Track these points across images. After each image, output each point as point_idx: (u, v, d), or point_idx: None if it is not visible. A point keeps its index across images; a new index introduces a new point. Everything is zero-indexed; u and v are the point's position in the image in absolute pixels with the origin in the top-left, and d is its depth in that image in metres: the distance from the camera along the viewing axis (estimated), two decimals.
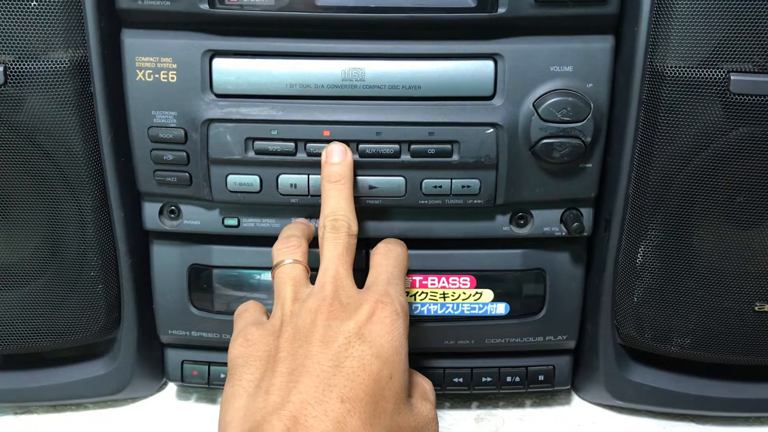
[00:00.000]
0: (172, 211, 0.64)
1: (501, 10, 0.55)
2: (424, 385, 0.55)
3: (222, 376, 0.68)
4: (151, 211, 0.64)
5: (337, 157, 0.57)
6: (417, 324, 0.66)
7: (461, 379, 0.68)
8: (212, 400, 0.72)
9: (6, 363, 0.70)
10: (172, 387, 0.74)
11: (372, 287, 0.52)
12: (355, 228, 0.55)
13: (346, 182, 0.57)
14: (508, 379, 0.69)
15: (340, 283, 0.52)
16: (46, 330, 0.65)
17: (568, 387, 0.71)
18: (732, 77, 0.56)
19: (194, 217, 0.63)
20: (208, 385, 0.69)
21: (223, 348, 0.66)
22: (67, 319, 0.65)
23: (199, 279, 0.65)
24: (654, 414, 0.71)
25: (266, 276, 0.65)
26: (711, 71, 0.56)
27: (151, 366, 0.71)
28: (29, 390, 0.69)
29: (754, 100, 0.56)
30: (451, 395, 0.72)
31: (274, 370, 0.47)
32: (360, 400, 0.45)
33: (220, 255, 0.65)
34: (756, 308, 0.63)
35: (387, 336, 0.48)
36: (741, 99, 0.56)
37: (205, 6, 0.55)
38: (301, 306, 0.51)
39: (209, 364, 0.69)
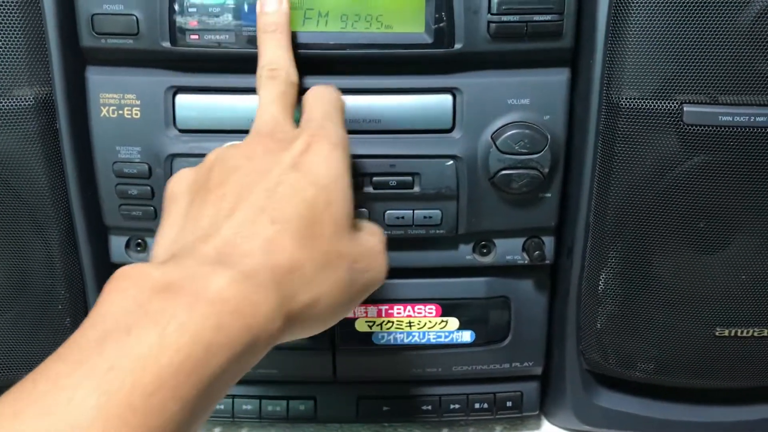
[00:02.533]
0: (138, 245, 0.64)
1: (458, 46, 0.56)
2: (375, 227, 0.52)
3: None
4: (117, 244, 0.64)
5: (271, 6, 0.55)
6: (383, 353, 0.66)
7: (430, 407, 0.69)
8: None
9: None
10: None
11: (307, 124, 0.50)
12: (294, 77, 0.53)
13: (283, 31, 0.54)
14: (477, 405, 0.69)
15: (275, 123, 0.50)
16: (13, 364, 0.65)
17: (537, 412, 0.72)
18: (685, 108, 0.57)
19: None
20: None
21: None
22: (35, 353, 0.65)
23: None
24: None
25: None
26: (665, 102, 0.57)
27: None
28: None
29: (707, 130, 0.57)
30: (421, 422, 0.72)
31: (205, 199, 0.46)
32: (291, 221, 0.43)
33: None
34: (716, 333, 0.64)
35: (323, 165, 0.46)
36: (694, 129, 0.57)
37: (167, 44, 0.56)
38: (236, 146, 0.49)
39: None
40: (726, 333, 0.64)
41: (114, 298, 0.38)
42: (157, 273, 0.38)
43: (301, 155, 0.46)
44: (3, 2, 0.55)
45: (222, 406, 0.68)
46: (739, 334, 0.64)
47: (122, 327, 0.35)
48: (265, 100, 0.52)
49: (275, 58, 0.54)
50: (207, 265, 0.39)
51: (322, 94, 0.53)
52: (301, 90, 0.54)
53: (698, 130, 0.57)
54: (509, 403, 0.70)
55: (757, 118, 0.56)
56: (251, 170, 0.46)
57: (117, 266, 0.64)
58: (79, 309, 0.65)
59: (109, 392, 0.32)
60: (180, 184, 0.48)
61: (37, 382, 0.34)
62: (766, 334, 0.64)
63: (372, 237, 0.49)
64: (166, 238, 0.46)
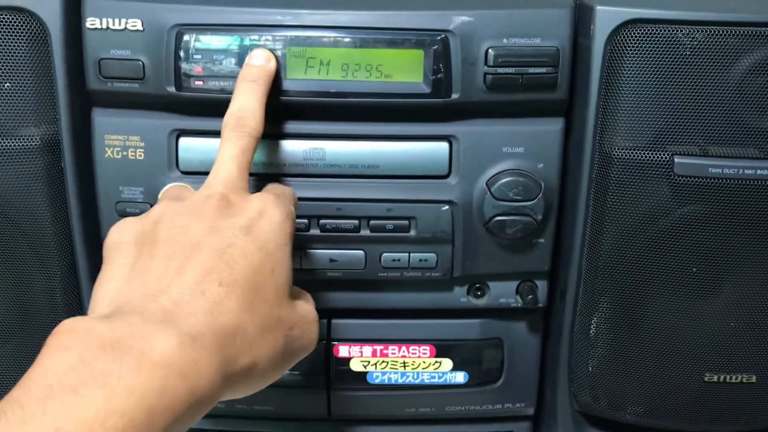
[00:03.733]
0: None
1: (455, 96, 0.58)
2: (309, 296, 0.53)
3: None
4: None
5: (258, 60, 0.56)
6: (378, 392, 0.68)
7: None
8: None
9: None
10: None
11: (263, 193, 0.51)
12: (259, 130, 0.53)
13: (262, 84, 0.55)
14: None
15: (231, 184, 0.50)
16: None
17: None
18: (676, 159, 0.58)
19: None
20: None
21: None
22: None
23: None
24: None
25: None
26: (656, 153, 0.59)
27: None
28: None
29: (697, 181, 0.59)
30: None
31: (152, 254, 0.45)
32: (239, 285, 0.44)
33: None
34: (706, 379, 0.65)
35: (273, 233, 0.47)
36: (685, 180, 0.59)
37: (172, 89, 0.57)
38: (188, 199, 0.49)
39: None
40: (715, 378, 0.65)
41: (58, 353, 0.37)
42: (103, 329, 0.38)
43: (255, 220, 0.48)
44: (13, 44, 0.57)
45: None
46: (728, 380, 0.65)
47: (67, 386, 0.35)
48: (226, 155, 0.51)
49: (247, 105, 0.54)
50: (152, 323, 0.39)
51: (277, 187, 0.55)
52: (307, 134, 0.57)
53: (689, 181, 0.59)
54: None
55: (746, 171, 0.58)
56: (201, 229, 0.46)
57: None
58: None
59: None
60: (124, 233, 0.48)
61: None
62: (754, 381, 0.65)
63: (307, 305, 0.51)
64: (108, 289, 0.45)
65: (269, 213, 0.48)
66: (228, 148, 0.52)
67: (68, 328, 0.38)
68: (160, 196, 0.57)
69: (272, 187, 0.55)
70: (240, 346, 0.43)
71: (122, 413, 0.35)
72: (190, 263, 0.44)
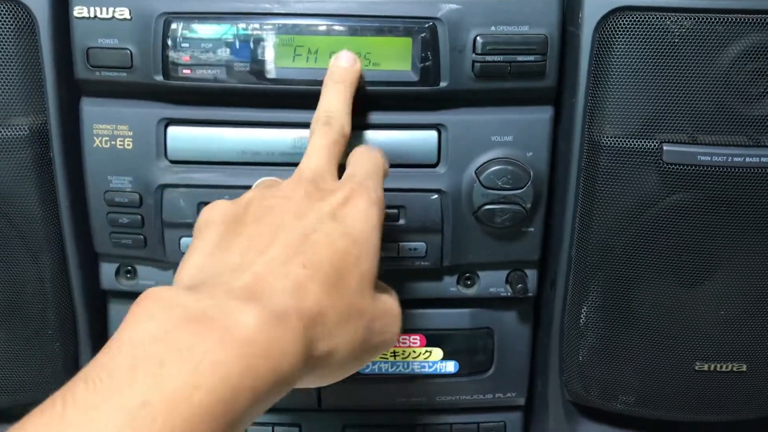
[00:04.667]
0: (128, 272, 0.66)
1: (443, 84, 0.59)
2: (393, 291, 0.53)
3: None
4: (108, 271, 0.66)
5: (345, 61, 0.57)
6: (369, 382, 0.68)
7: None
8: None
9: None
10: None
11: (350, 178, 0.51)
12: (347, 129, 0.55)
13: (349, 86, 0.56)
14: None
15: (320, 171, 0.51)
16: (5, 386, 0.67)
17: None
18: (664, 147, 0.59)
19: (150, 278, 0.65)
20: None
21: None
22: (25, 375, 0.66)
23: None
24: None
25: None
26: (645, 141, 0.59)
27: None
28: None
29: (685, 168, 0.59)
30: None
31: (239, 232, 0.46)
32: (323, 269, 0.44)
33: None
34: (696, 367, 0.66)
35: (360, 220, 0.47)
36: (673, 168, 0.59)
37: (159, 77, 0.58)
38: (277, 185, 0.50)
39: None
40: (705, 368, 0.66)
41: (143, 321, 0.37)
42: (188, 300, 0.38)
43: (340, 207, 0.48)
44: (0, 34, 0.57)
45: None
46: (718, 368, 0.66)
47: (154, 357, 0.34)
48: (316, 145, 0.53)
49: (334, 106, 0.55)
50: (237, 299, 0.39)
51: (367, 154, 0.55)
52: (296, 123, 0.58)
53: (677, 168, 0.59)
54: None
55: (735, 158, 0.59)
56: (289, 212, 0.47)
57: (106, 292, 0.67)
58: (68, 334, 0.66)
59: (139, 430, 0.32)
60: (215, 212, 0.49)
61: (66, 407, 0.33)
62: (744, 369, 0.66)
63: (392, 299, 0.51)
64: (192, 264, 0.46)
65: (355, 200, 0.48)
66: (318, 138, 0.53)
67: (153, 296, 0.38)
68: (254, 186, 0.57)
69: (359, 159, 0.54)
70: (321, 331, 0.42)
71: (208, 390, 0.34)
72: (275, 243, 0.44)
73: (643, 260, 0.63)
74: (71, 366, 0.67)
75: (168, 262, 0.63)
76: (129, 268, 0.65)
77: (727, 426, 0.70)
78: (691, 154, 0.59)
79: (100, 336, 0.68)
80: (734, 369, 0.66)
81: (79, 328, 0.66)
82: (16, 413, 0.70)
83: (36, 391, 0.67)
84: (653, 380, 0.67)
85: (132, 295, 0.65)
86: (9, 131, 0.59)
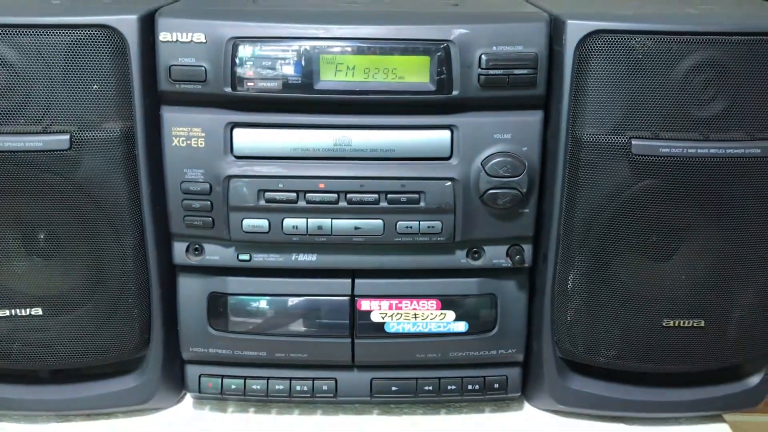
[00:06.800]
0: (196, 249, 0.77)
1: (455, 93, 0.70)
2: None
3: (233, 387, 0.80)
4: (179, 249, 0.77)
5: None
6: (393, 340, 0.79)
7: (431, 387, 0.80)
8: (223, 410, 0.84)
9: (51, 377, 0.81)
10: (189, 399, 0.85)
11: None
12: None
13: None
14: (469, 387, 0.81)
15: None
16: (89, 349, 0.77)
17: (519, 394, 0.83)
18: (633, 142, 0.69)
19: (214, 254, 0.76)
20: (221, 395, 0.81)
21: (235, 363, 0.80)
22: (107, 339, 0.76)
23: (217, 304, 0.78)
24: (591, 417, 0.83)
25: (273, 300, 0.78)
26: (617, 137, 0.69)
27: (173, 380, 0.82)
28: (69, 401, 0.80)
29: (651, 159, 0.69)
30: (423, 402, 0.84)
31: None
32: None
33: (234, 284, 0.78)
34: (664, 324, 0.76)
35: None
36: (641, 158, 0.69)
37: (228, 89, 0.69)
38: None
39: (222, 377, 0.80)
40: (671, 324, 0.76)
41: None
42: None
43: None
44: (100, 54, 0.68)
45: (258, 386, 0.80)
46: (681, 324, 0.76)
47: None
48: None
49: None
50: None
51: None
52: (336, 125, 0.69)
53: (644, 159, 0.70)
54: (496, 385, 0.81)
55: (689, 150, 0.69)
56: None
57: (176, 267, 0.79)
58: (144, 302, 0.77)
59: None
60: None
61: None
62: (702, 325, 0.76)
63: None
64: None
65: None
66: None
67: None
68: None
69: None
70: None
71: None
72: None
73: (618, 235, 0.72)
74: (145, 330, 0.78)
75: (231, 240, 0.74)
76: (197, 246, 0.76)
77: (692, 376, 0.80)
78: (654, 147, 0.69)
79: (168, 304, 0.78)
80: (695, 325, 0.76)
81: (152, 297, 0.77)
82: (96, 372, 0.81)
83: (117, 352, 0.77)
84: (629, 336, 0.76)
85: (198, 269, 0.78)
86: (104, 133, 0.69)
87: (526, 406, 0.86)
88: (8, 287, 0.74)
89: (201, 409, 0.85)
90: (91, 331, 0.77)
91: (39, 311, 0.75)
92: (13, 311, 0.75)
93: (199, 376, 0.81)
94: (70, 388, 0.80)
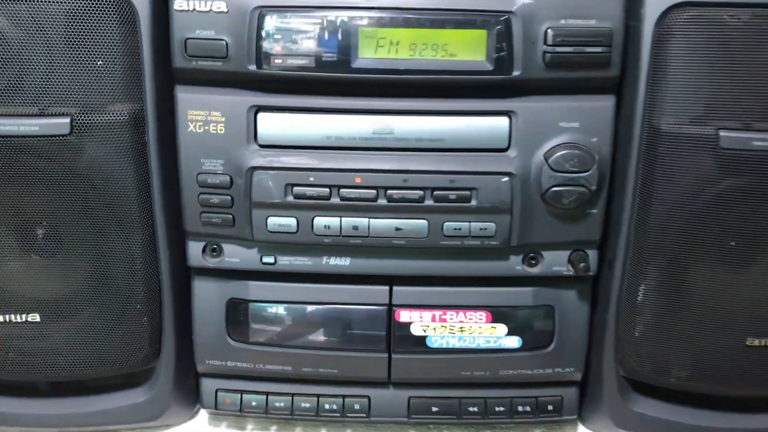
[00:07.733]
0: (214, 249, 0.70)
1: (516, 73, 0.62)
2: None
3: (253, 403, 0.74)
4: (195, 249, 0.70)
5: None
6: (436, 356, 0.72)
7: (476, 408, 0.74)
8: (241, 427, 0.78)
9: (52, 390, 0.75)
10: (204, 414, 0.79)
11: None
12: None
13: None
14: (520, 408, 0.74)
15: None
16: (93, 359, 0.71)
17: (575, 417, 0.76)
18: (721, 134, 0.62)
19: (234, 255, 0.70)
20: (240, 412, 0.74)
21: (256, 378, 0.73)
22: (113, 348, 0.71)
23: (237, 312, 0.72)
24: None
25: (299, 309, 0.71)
26: (702, 128, 0.63)
27: (186, 394, 0.77)
28: (71, 416, 0.75)
29: (741, 154, 0.63)
30: (466, 424, 0.77)
31: None
32: None
33: (256, 290, 0.71)
34: (747, 343, 0.69)
35: None
36: (730, 153, 0.63)
37: (252, 67, 0.62)
38: None
39: (242, 392, 0.74)
40: (756, 343, 0.69)
41: None
42: None
43: None
44: (106, 26, 0.61)
45: (281, 404, 0.74)
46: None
47: None
48: None
49: None
50: None
51: None
52: (377, 110, 0.62)
53: (733, 154, 0.63)
54: (550, 407, 0.75)
55: None
56: None
57: (193, 269, 0.71)
58: (154, 309, 0.71)
59: None
60: None
61: None
62: None
63: None
64: None
65: None
66: None
67: None
68: None
69: None
70: None
71: None
72: None
73: (698, 242, 0.66)
74: (155, 339, 0.72)
75: (254, 240, 0.67)
76: (215, 246, 0.70)
77: None
78: (746, 139, 0.62)
79: (182, 311, 0.72)
80: None
81: (164, 303, 0.71)
82: (101, 384, 0.75)
83: (123, 363, 0.71)
84: (706, 356, 0.70)
85: (216, 272, 0.70)
86: (110, 116, 0.64)
87: (581, 429, 0.79)
88: (3, 289, 0.70)
89: (217, 425, 0.79)
90: (94, 339, 0.71)
91: (36, 317, 0.70)
92: (7, 317, 0.70)
93: (216, 391, 0.76)
94: (72, 401, 0.76)
